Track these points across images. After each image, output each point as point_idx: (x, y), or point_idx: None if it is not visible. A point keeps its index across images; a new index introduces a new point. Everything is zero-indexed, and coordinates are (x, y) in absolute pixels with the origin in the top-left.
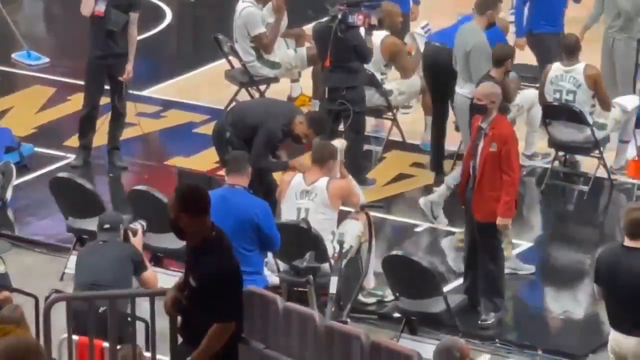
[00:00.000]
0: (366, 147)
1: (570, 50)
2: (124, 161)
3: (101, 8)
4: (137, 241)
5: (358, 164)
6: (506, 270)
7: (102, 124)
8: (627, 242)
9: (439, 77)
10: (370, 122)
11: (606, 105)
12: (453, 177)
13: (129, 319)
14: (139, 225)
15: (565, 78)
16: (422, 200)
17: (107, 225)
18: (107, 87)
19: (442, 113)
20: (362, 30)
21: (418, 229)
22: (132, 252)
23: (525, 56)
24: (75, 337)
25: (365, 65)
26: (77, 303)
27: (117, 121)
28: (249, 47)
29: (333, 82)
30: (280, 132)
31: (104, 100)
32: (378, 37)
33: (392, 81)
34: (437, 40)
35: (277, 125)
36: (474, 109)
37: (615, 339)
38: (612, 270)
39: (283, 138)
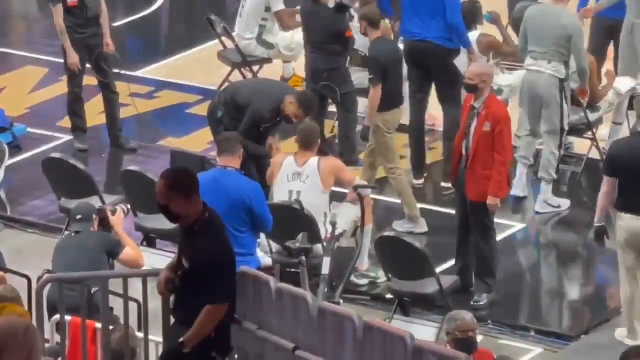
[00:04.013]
0: (358, 127)
1: None
2: (132, 143)
3: None
4: (115, 220)
5: (352, 143)
6: (547, 210)
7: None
8: None
9: (427, 72)
10: (362, 103)
11: (593, 97)
12: (545, 169)
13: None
14: (119, 208)
15: None
16: (538, 207)
17: (79, 216)
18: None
19: (424, 107)
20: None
21: None
22: (106, 240)
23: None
24: (68, 318)
25: (357, 48)
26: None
27: (112, 102)
28: (256, 25)
29: (314, 64)
30: (267, 112)
31: (94, 81)
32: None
33: None
34: (414, 36)
35: (263, 105)
36: (466, 89)
37: (638, 226)
38: (631, 156)
39: (271, 119)
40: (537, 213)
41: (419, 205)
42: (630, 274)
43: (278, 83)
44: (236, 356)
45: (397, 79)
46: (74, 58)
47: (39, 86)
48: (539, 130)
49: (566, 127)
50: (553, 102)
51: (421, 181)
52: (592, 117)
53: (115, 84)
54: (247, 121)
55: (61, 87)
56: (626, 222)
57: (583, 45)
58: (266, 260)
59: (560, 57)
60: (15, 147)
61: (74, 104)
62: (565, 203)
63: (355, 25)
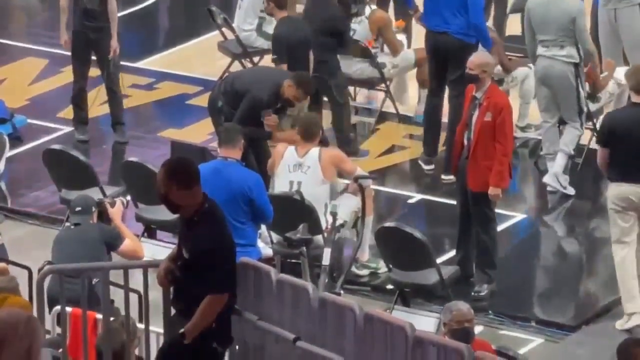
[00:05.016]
0: (359, 118)
1: None
2: (126, 137)
3: None
4: (114, 212)
5: (346, 135)
6: (554, 184)
7: (97, 94)
8: (637, 99)
9: (445, 63)
10: (363, 93)
11: (594, 87)
12: (565, 142)
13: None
14: (118, 201)
15: None
16: (547, 178)
17: (79, 208)
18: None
19: (441, 98)
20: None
21: (411, 201)
22: (104, 233)
23: (519, 28)
24: (68, 309)
25: (356, 38)
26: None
27: (112, 98)
28: (255, 16)
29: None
30: (265, 96)
31: (96, 72)
32: (366, 11)
33: (385, 55)
34: (434, 28)
35: (262, 91)
36: (467, 79)
37: (632, 191)
38: (626, 127)
39: (270, 103)
40: (545, 185)
41: (421, 196)
42: (619, 244)
43: (276, 70)
44: (237, 347)
45: (302, 60)
46: (62, 38)
47: (39, 77)
48: (557, 116)
49: (584, 108)
50: (568, 86)
51: (432, 167)
52: (593, 107)
53: (117, 81)
54: (245, 105)
55: (61, 79)
56: (615, 190)
57: (586, 26)
58: (267, 251)
59: (570, 40)
60: (16, 139)
61: (77, 96)
62: (570, 190)
63: (358, 19)
